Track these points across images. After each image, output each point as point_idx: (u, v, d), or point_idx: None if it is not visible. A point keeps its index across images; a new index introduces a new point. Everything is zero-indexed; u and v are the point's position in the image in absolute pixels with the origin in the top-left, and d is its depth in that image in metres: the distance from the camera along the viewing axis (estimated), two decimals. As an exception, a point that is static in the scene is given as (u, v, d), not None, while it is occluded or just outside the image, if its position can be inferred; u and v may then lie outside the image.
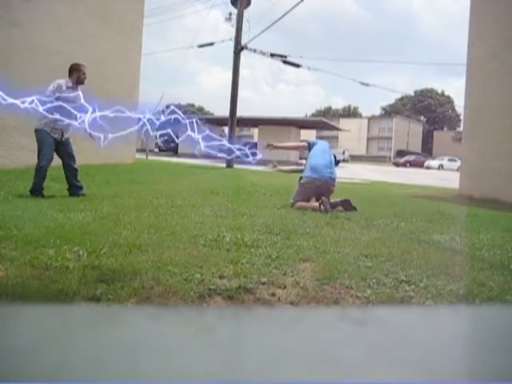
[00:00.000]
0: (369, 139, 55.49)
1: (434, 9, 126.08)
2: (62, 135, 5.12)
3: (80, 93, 5.19)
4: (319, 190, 5.38)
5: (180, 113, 5.04)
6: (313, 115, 62.73)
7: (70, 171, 5.17)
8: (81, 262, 2.48)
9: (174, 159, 22.99)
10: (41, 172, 4.95)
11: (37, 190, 4.88)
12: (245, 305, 2.10)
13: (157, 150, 36.06)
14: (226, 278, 2.38)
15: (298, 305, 2.12)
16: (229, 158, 15.83)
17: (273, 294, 2.22)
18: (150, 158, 22.36)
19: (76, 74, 5.18)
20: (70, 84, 5.12)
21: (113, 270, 2.36)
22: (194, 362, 0.33)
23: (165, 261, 2.58)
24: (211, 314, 0.46)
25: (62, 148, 5.17)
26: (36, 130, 5.05)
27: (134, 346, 0.35)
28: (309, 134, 39.40)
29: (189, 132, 4.79)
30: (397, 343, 0.39)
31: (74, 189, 5.17)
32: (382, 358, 0.36)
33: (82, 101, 5.12)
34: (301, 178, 5.58)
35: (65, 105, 4.76)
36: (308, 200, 5.42)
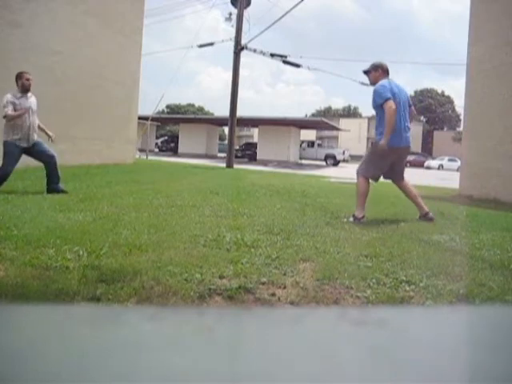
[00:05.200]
0: (369, 139, 55.45)
1: (434, 9, 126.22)
2: (29, 140, 5.36)
3: (30, 98, 5.44)
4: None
5: None
6: (313, 115, 62.75)
7: (49, 167, 5.42)
8: (81, 262, 2.49)
9: (174, 159, 23.00)
10: (2, 178, 5.21)
11: None
12: (245, 305, 2.10)
13: (157, 150, 36.07)
14: (226, 277, 2.38)
15: (297, 305, 2.12)
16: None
17: (273, 294, 2.22)
18: (150, 157, 22.37)
19: (20, 81, 5.39)
20: (18, 94, 5.37)
21: (113, 270, 2.36)
22: (194, 362, 0.33)
23: (165, 261, 2.58)
24: (211, 313, 0.46)
25: (35, 151, 5.43)
26: (3, 143, 5.35)
27: (134, 346, 0.35)
28: (309, 134, 39.39)
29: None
30: (397, 343, 0.39)
31: (53, 185, 5.38)
32: (382, 357, 0.36)
33: (34, 105, 5.44)
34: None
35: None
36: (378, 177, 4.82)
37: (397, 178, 4.89)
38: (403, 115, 4.64)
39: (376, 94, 4.57)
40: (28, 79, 5.37)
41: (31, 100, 5.43)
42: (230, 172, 14.07)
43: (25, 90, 5.37)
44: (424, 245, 3.48)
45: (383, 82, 4.62)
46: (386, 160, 4.64)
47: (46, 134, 5.68)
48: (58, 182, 5.42)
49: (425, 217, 4.73)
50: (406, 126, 4.66)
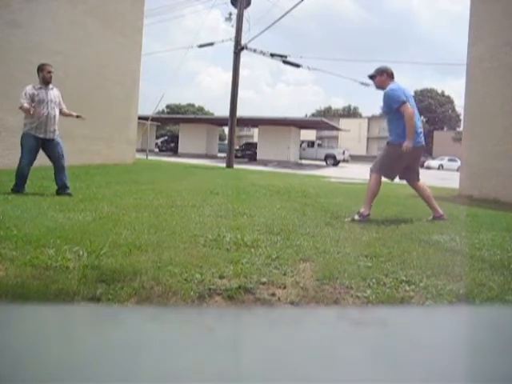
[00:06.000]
0: (369, 139, 55.51)
1: (434, 9, 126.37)
2: (46, 131, 5.33)
3: (51, 90, 5.45)
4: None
5: None
6: (313, 115, 62.71)
7: (58, 170, 5.41)
8: (81, 261, 2.48)
9: (174, 159, 23.00)
10: (19, 172, 5.25)
11: (17, 189, 5.20)
12: (245, 305, 2.09)
13: (157, 150, 36.07)
14: (226, 278, 2.38)
15: (297, 305, 2.12)
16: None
17: (273, 294, 2.22)
18: (150, 157, 22.36)
19: (41, 73, 5.40)
20: (38, 85, 5.38)
21: (113, 270, 2.36)
22: (194, 361, 0.33)
23: (165, 261, 2.58)
24: (211, 313, 0.46)
25: (50, 148, 5.41)
26: (21, 136, 5.37)
27: (134, 346, 0.35)
28: (309, 134, 39.40)
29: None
30: (397, 343, 0.39)
31: (60, 188, 5.37)
32: (382, 357, 0.36)
33: (55, 97, 5.45)
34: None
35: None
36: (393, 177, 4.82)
37: (412, 178, 4.90)
38: (417, 116, 4.70)
39: (389, 98, 4.60)
40: (49, 72, 5.38)
41: (52, 92, 5.41)
42: (229, 172, 14.07)
43: (45, 82, 5.38)
44: (424, 245, 3.48)
45: (393, 86, 4.65)
46: (402, 160, 4.68)
47: (75, 116, 5.68)
48: (66, 186, 5.38)
49: (439, 219, 4.73)
50: (419, 126, 4.72)
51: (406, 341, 0.40)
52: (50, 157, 5.43)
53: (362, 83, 17.33)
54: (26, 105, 5.16)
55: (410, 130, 4.47)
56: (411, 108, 4.48)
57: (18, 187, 5.18)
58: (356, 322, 0.41)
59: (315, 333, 0.41)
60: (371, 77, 4.85)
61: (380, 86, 4.74)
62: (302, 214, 4.75)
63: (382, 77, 4.73)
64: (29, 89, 5.26)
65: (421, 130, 4.72)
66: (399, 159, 4.65)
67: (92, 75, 11.75)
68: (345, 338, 0.40)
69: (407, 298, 2.25)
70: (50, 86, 5.42)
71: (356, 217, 4.50)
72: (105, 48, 12.26)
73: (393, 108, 4.55)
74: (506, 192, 8.12)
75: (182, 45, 27.35)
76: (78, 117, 5.68)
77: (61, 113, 5.57)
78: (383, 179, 4.82)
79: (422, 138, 4.73)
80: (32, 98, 5.22)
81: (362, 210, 4.57)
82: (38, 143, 5.30)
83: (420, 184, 4.87)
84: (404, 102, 4.49)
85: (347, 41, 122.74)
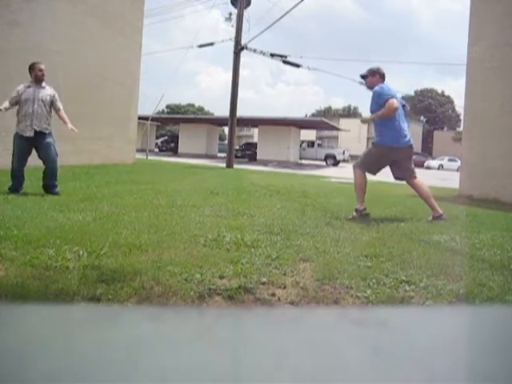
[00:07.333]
0: (369, 139, 55.44)
1: (434, 9, 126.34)
2: (33, 130, 5.28)
3: (41, 89, 5.37)
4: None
5: None
6: (313, 115, 62.71)
7: (47, 170, 5.40)
8: (81, 261, 2.48)
9: (174, 159, 22.99)
10: (13, 173, 5.27)
11: (13, 189, 5.22)
12: (245, 305, 2.10)
13: (157, 150, 36.06)
14: (226, 278, 2.38)
15: (297, 305, 2.12)
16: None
17: (273, 294, 2.22)
18: (150, 157, 22.36)
19: (32, 72, 5.37)
20: (28, 84, 5.35)
21: (113, 270, 2.36)
22: (194, 362, 0.33)
23: (165, 261, 2.58)
24: (211, 313, 0.46)
25: (42, 148, 5.37)
26: (14, 136, 5.37)
27: (134, 346, 0.35)
28: (309, 134, 39.38)
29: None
30: (397, 343, 0.39)
31: (48, 187, 5.36)
32: (382, 357, 0.36)
33: (45, 95, 5.36)
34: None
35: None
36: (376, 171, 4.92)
37: (407, 177, 4.92)
38: (402, 117, 4.73)
39: (377, 94, 4.64)
40: (41, 70, 5.34)
41: (42, 90, 5.34)
42: (230, 172, 14.06)
43: (38, 80, 5.34)
44: (424, 245, 3.48)
45: (381, 85, 4.71)
46: (385, 158, 4.76)
47: (68, 126, 5.55)
48: (54, 186, 5.36)
49: (438, 219, 4.73)
50: (404, 127, 4.74)
51: (406, 341, 0.40)
52: (41, 159, 5.40)
53: (362, 83, 17.34)
54: (2, 106, 5.18)
55: (381, 114, 4.54)
56: (396, 103, 4.51)
57: (14, 187, 5.21)
58: (356, 321, 0.41)
59: (315, 333, 0.41)
60: (363, 77, 4.89)
61: (371, 87, 4.78)
62: (301, 214, 4.75)
63: (374, 77, 4.77)
64: (16, 89, 5.26)
65: (407, 133, 4.75)
66: (381, 157, 4.74)
67: (92, 75, 11.74)
68: (345, 338, 0.40)
69: (407, 298, 2.25)
70: (43, 84, 5.38)
71: (354, 214, 4.61)
72: (105, 48, 12.26)
73: (379, 103, 4.60)
74: (506, 192, 8.12)
75: (182, 45, 27.38)
76: (70, 128, 5.54)
77: (57, 113, 5.52)
78: (387, 179, 4.87)
79: (410, 139, 4.78)
80: (19, 97, 5.22)
81: (357, 206, 4.68)
82: (29, 143, 5.28)
83: (417, 182, 4.89)
84: (391, 97, 4.54)
85: (347, 41, 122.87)
